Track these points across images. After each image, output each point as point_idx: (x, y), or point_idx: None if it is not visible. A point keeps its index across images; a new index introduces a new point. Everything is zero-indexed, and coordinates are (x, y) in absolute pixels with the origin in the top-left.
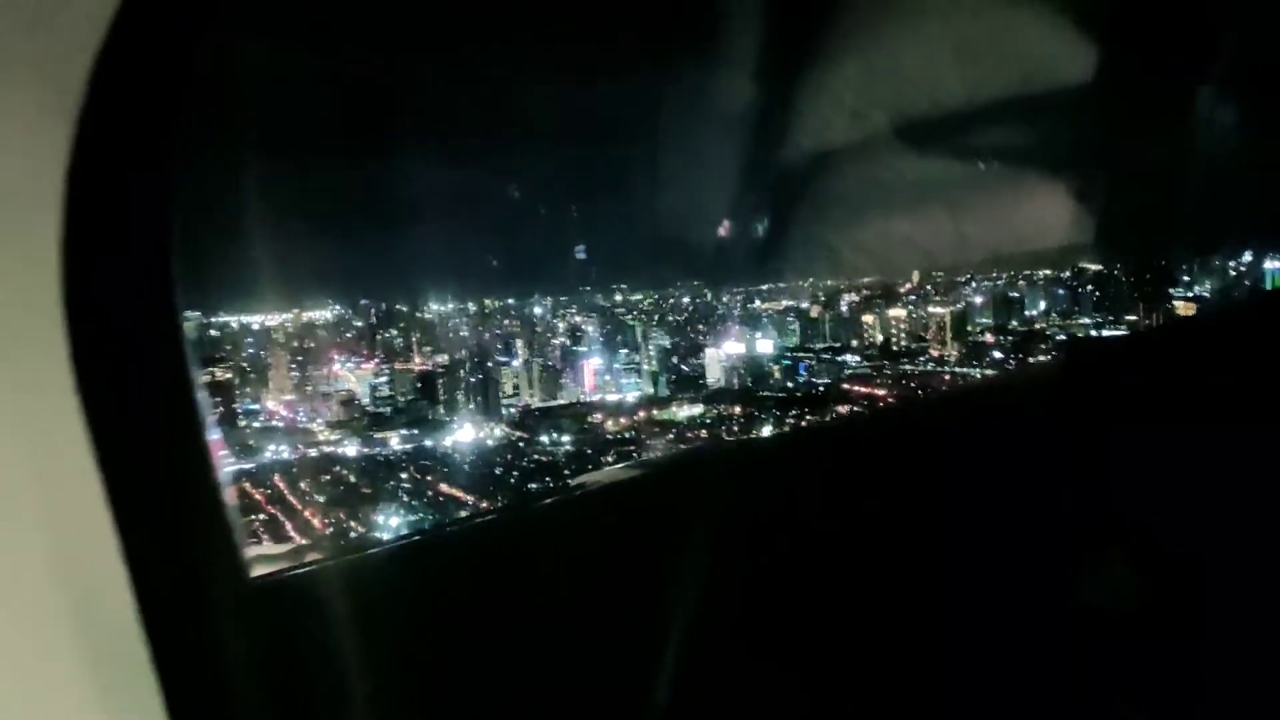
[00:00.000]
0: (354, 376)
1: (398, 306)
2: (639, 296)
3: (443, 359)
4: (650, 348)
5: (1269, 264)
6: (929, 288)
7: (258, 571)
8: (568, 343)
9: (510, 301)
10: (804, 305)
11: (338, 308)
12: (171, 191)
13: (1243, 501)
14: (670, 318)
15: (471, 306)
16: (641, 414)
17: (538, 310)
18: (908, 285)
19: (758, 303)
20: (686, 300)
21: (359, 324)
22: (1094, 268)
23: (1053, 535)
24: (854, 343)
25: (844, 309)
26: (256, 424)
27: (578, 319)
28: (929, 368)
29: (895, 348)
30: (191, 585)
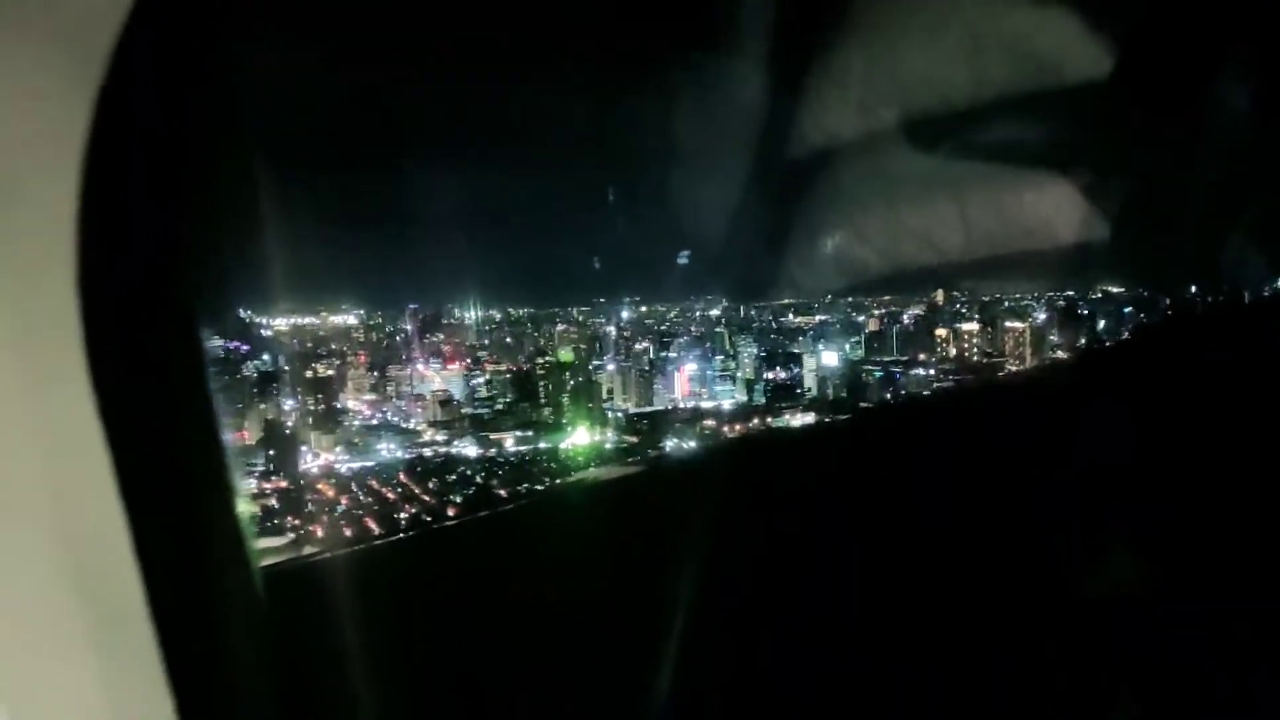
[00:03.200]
0: (439, 377)
1: (430, 313)
2: (663, 309)
3: (544, 360)
4: (745, 355)
5: None
6: (958, 306)
7: (266, 561)
8: (652, 349)
9: (532, 310)
10: (836, 318)
11: (361, 312)
12: (190, 181)
13: (1235, 490)
14: (698, 330)
15: (496, 314)
16: (755, 421)
17: (625, 315)
18: (937, 303)
19: (790, 316)
20: (716, 313)
21: (408, 328)
22: (1115, 290)
23: (1052, 524)
24: (920, 356)
25: (906, 322)
26: (357, 422)
27: (609, 329)
28: None
29: (973, 362)
30: (200, 572)
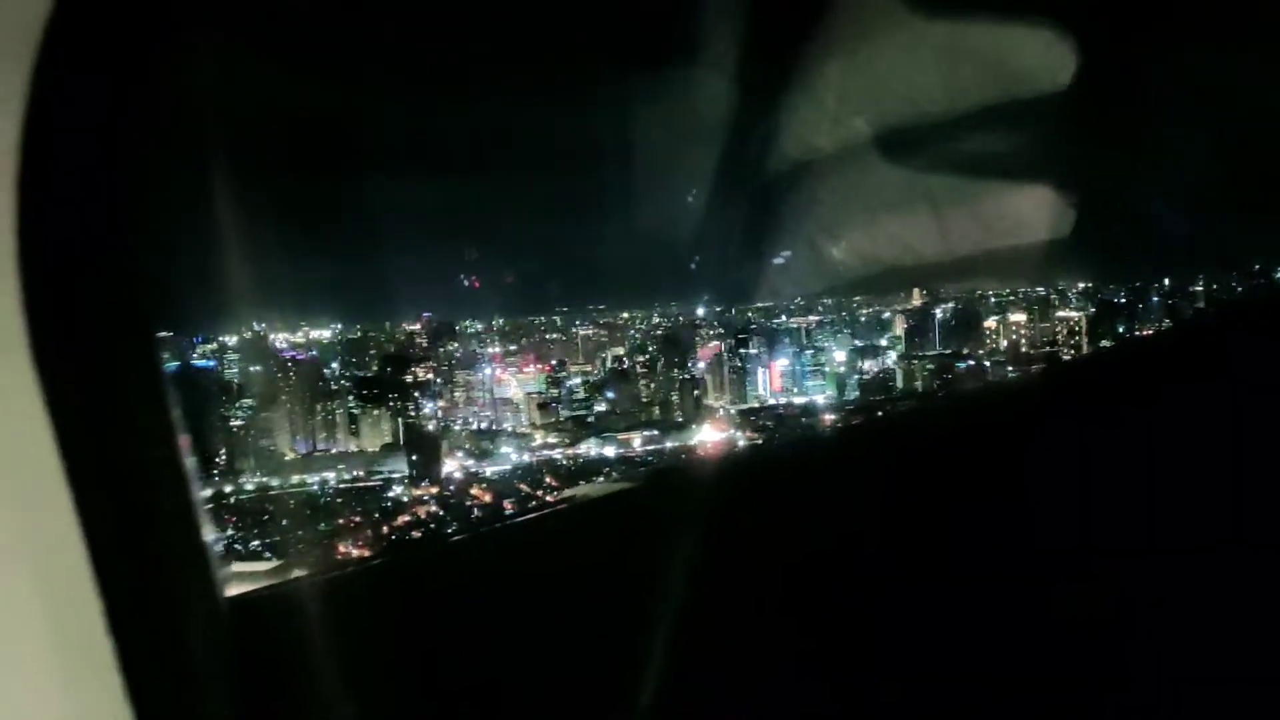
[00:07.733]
0: (515, 381)
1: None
2: (639, 314)
3: (643, 359)
4: (837, 351)
5: None
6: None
7: (234, 590)
8: (725, 348)
9: (534, 319)
10: (828, 316)
11: (339, 326)
12: (135, 185)
13: (1224, 510)
14: (683, 333)
15: (484, 325)
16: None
17: (700, 311)
18: (914, 303)
19: (783, 318)
20: (700, 315)
21: (424, 335)
22: (1081, 285)
23: (1033, 542)
24: (964, 349)
25: (941, 315)
26: (456, 426)
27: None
28: None
29: (1027, 353)
30: (163, 604)
